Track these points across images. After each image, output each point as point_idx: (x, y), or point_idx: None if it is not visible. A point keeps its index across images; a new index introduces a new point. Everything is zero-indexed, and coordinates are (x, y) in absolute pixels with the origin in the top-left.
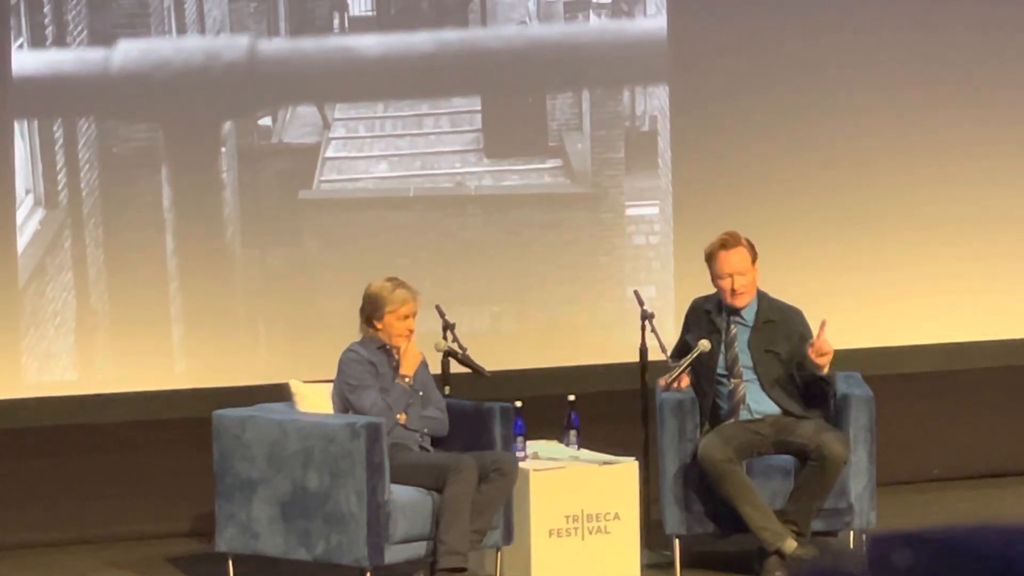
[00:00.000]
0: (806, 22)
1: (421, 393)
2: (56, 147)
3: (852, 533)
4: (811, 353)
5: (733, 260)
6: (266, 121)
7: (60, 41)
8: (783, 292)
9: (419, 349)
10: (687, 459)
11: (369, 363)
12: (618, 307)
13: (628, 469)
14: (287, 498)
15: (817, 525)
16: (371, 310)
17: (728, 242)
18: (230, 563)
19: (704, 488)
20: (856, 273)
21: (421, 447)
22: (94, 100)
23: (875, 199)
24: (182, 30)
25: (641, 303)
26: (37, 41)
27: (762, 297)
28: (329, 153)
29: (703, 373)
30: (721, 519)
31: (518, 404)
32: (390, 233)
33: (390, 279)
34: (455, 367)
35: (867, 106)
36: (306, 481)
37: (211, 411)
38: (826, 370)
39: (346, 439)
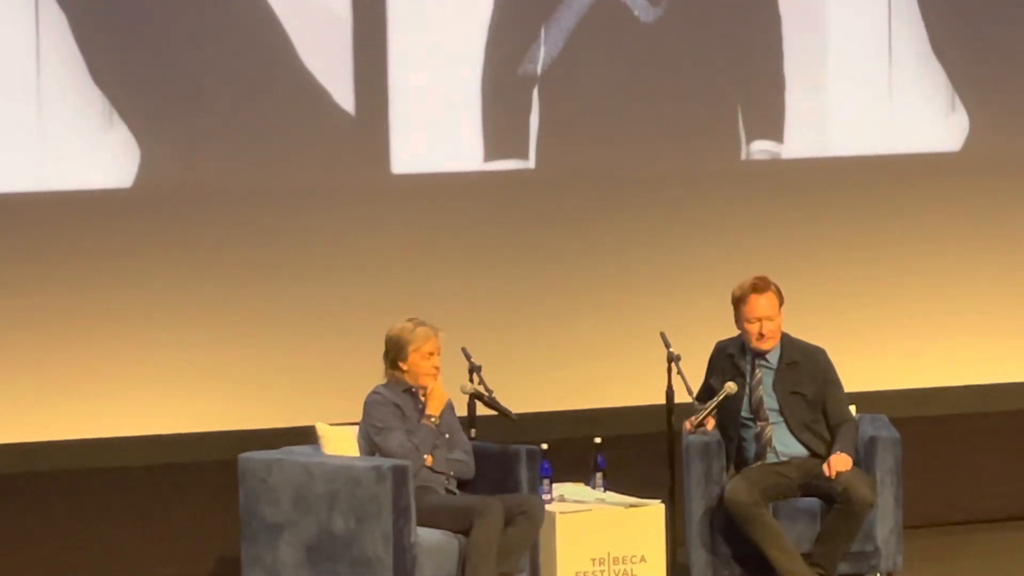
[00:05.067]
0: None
1: (447, 435)
2: None
3: None
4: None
5: (763, 304)
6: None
7: None
8: (809, 334)
9: (445, 391)
10: (713, 502)
11: (394, 405)
12: (644, 349)
13: (654, 512)
14: (313, 541)
15: (843, 568)
16: (395, 352)
17: (759, 286)
18: None
19: (730, 531)
20: (882, 315)
21: (447, 490)
22: None
23: (903, 240)
24: None
25: (667, 345)
26: None
27: (785, 339)
28: None
29: (727, 416)
30: (747, 562)
31: (544, 447)
32: (415, 276)
33: (410, 320)
34: (481, 410)
35: (892, 143)
36: (332, 524)
37: (237, 454)
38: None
39: (372, 482)
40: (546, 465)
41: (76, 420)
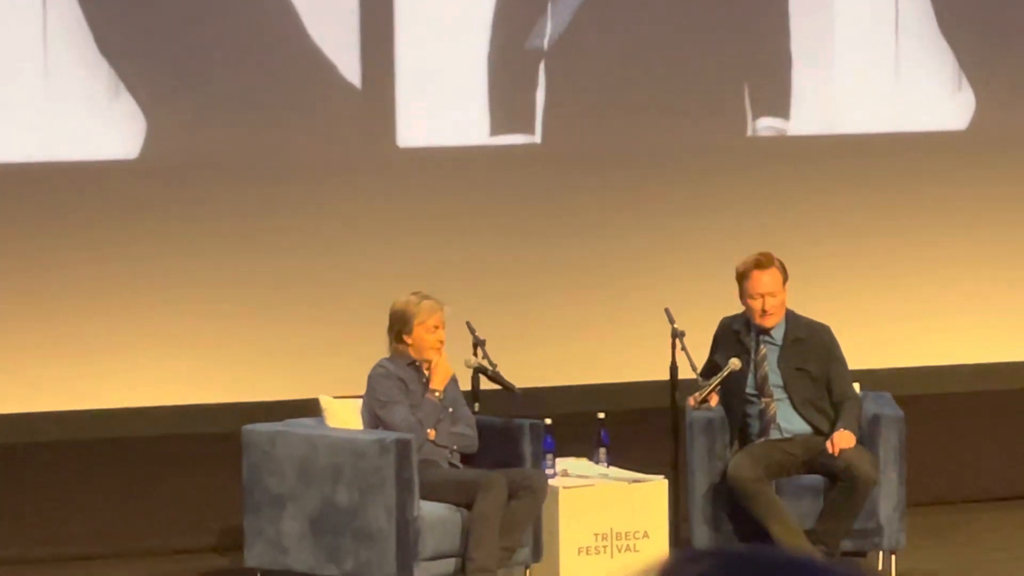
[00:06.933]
0: None
1: (451, 409)
2: None
3: (880, 553)
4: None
5: (766, 280)
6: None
7: None
8: (814, 311)
9: (450, 366)
10: (716, 478)
11: (398, 379)
12: (649, 325)
13: (657, 487)
14: (316, 514)
15: (846, 545)
16: (400, 325)
17: (762, 262)
18: None
19: (733, 507)
20: (887, 292)
21: (450, 463)
22: None
23: (908, 218)
24: None
25: (672, 321)
26: None
27: (790, 316)
28: None
29: (731, 393)
30: (750, 538)
31: (548, 421)
32: (420, 250)
33: (414, 293)
34: (485, 384)
35: (899, 123)
36: (335, 497)
37: (240, 426)
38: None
39: (376, 455)
40: (549, 440)
41: (79, 391)
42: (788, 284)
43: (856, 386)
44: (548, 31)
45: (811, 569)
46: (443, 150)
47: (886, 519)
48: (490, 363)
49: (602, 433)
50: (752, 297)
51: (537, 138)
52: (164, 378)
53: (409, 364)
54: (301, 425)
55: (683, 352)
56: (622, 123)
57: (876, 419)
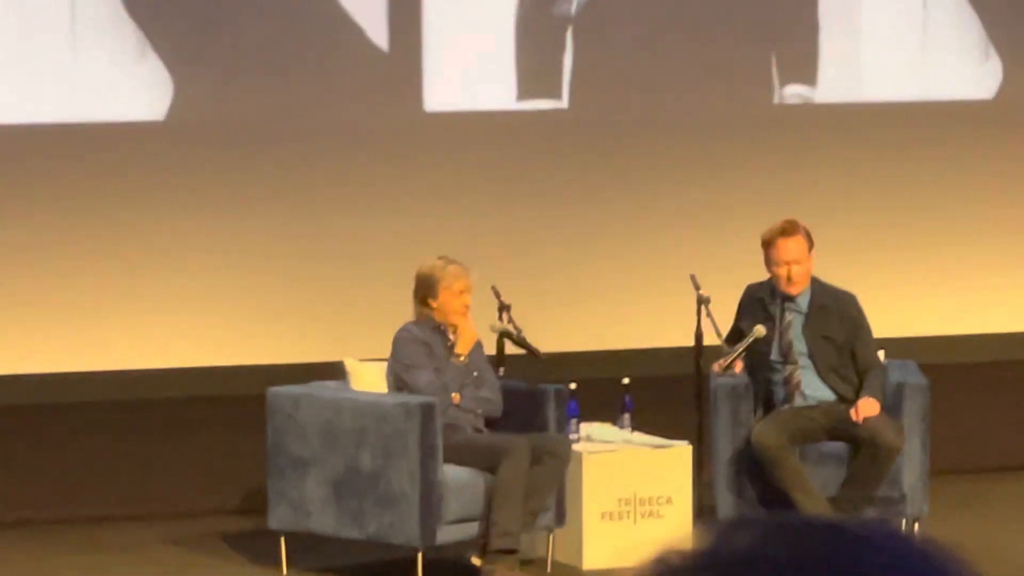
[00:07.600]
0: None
1: (476, 374)
2: None
3: (904, 522)
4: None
5: (791, 248)
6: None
7: None
8: (839, 279)
9: (475, 330)
10: (740, 444)
11: (424, 343)
12: (674, 291)
13: (681, 453)
14: (340, 477)
15: (870, 513)
16: (425, 289)
17: (787, 229)
18: (282, 541)
19: (757, 474)
20: (913, 261)
21: (475, 428)
22: None
23: (934, 186)
24: None
25: (697, 287)
26: None
27: (815, 283)
28: None
29: (756, 359)
30: (773, 505)
31: (572, 386)
32: (446, 214)
33: (440, 257)
34: (510, 348)
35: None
36: (359, 460)
37: (265, 388)
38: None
39: (400, 419)
40: (574, 405)
41: (105, 351)
42: (814, 252)
43: (881, 354)
44: None
45: (860, 541)
46: (470, 115)
47: (910, 487)
48: (515, 328)
49: (626, 399)
50: (777, 264)
51: (564, 103)
52: (189, 340)
53: (434, 328)
54: (326, 388)
55: (708, 318)
56: (649, 89)
57: (900, 387)
